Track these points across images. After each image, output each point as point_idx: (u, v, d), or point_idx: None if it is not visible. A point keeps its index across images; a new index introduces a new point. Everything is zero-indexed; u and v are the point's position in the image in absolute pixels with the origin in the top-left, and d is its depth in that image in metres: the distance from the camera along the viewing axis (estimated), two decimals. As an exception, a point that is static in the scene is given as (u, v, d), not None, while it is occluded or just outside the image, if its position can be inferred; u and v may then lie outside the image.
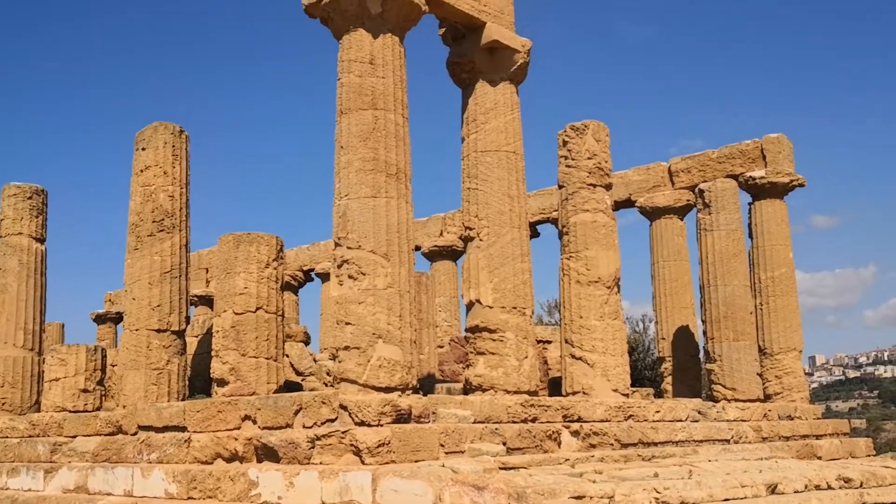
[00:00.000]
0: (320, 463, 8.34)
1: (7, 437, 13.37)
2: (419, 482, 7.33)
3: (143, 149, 12.46)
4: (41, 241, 14.77)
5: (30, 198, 14.65)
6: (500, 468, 8.08)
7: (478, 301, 10.85)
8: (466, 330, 11.15)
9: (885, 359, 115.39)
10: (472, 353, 10.91)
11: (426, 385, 12.09)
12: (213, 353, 11.05)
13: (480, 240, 10.99)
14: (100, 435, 11.62)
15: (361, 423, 8.29)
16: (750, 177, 16.56)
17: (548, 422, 10.12)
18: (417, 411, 8.77)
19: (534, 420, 10.01)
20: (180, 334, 12.12)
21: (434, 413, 8.98)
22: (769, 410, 14.62)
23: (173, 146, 12.41)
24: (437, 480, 7.26)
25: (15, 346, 14.13)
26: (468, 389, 10.82)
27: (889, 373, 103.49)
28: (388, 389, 8.82)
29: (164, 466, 10.01)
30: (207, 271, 24.48)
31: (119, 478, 10.60)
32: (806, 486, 9.06)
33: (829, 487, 9.36)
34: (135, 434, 10.95)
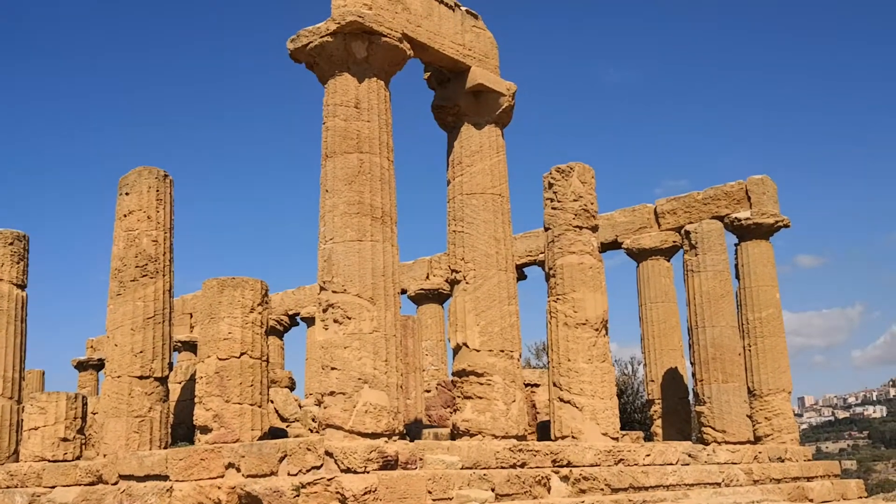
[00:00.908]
0: (305, 512, 8.14)
1: (-16, 488, 13.04)
2: (406, 531, 7.17)
3: (127, 193, 12.41)
4: (22, 287, 14.61)
5: (11, 243, 14.51)
6: (489, 515, 7.93)
7: (465, 344, 10.75)
8: (453, 374, 11.03)
9: (875, 398, 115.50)
10: (459, 397, 10.78)
11: (413, 430, 11.92)
12: (196, 400, 10.86)
13: (467, 283, 10.93)
14: (79, 485, 11.35)
15: (347, 470, 8.14)
16: (735, 218, 16.65)
17: (537, 467, 9.96)
18: (404, 457, 8.62)
19: (522, 465, 9.86)
20: (163, 381, 11.94)
21: (421, 459, 8.83)
22: (760, 452, 14.50)
23: (157, 191, 12.37)
24: (425, 529, 7.11)
25: (-6, 395, 13.88)
26: (455, 434, 10.67)
27: (878, 413, 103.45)
28: (374, 435, 8.68)
29: (144, 517, 9.76)
30: (191, 316, 24.27)
31: (98, 530, 10.32)
32: (799, 531, 8.94)
33: (823, 531, 9.24)
34: (115, 484, 10.70)
